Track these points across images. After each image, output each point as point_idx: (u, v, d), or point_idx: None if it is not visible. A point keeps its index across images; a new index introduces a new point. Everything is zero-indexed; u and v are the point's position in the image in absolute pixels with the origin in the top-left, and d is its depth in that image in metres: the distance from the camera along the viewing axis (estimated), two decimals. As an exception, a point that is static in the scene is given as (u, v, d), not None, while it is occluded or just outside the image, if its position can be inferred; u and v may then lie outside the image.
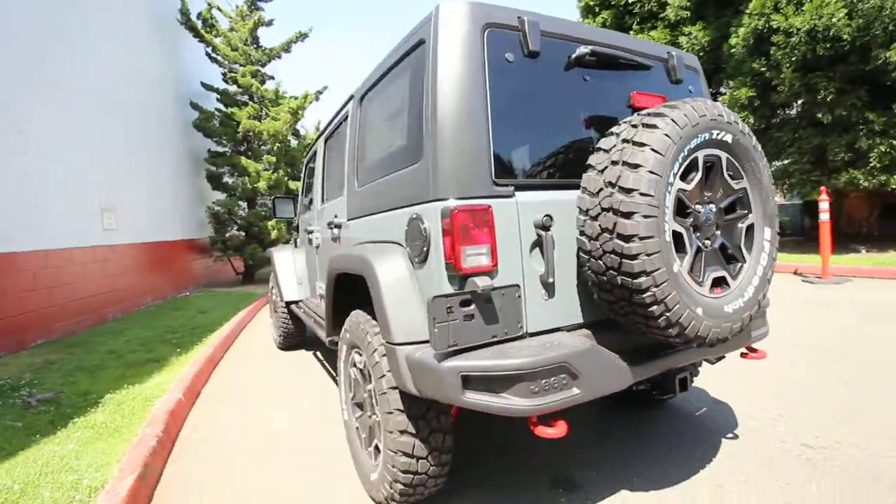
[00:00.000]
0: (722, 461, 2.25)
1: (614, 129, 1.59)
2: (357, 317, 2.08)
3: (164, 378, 3.90)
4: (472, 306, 1.49)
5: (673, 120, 1.48)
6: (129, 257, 7.29)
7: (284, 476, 2.37)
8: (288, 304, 4.54)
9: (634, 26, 9.65)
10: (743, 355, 2.12)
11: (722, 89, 8.26)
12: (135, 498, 2.08)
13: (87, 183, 6.41)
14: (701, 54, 8.33)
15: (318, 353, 4.78)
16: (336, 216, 2.65)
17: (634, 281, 1.42)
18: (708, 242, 1.64)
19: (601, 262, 1.50)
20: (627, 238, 1.40)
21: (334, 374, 3.99)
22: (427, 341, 1.62)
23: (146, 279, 7.72)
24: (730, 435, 2.50)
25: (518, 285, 1.58)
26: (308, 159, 3.85)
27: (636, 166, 1.42)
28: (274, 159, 9.95)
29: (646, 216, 1.39)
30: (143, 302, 7.58)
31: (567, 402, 1.46)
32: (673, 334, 1.50)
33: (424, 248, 1.61)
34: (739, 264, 1.71)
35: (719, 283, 1.65)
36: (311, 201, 4.10)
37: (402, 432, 1.75)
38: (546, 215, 1.63)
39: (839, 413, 2.65)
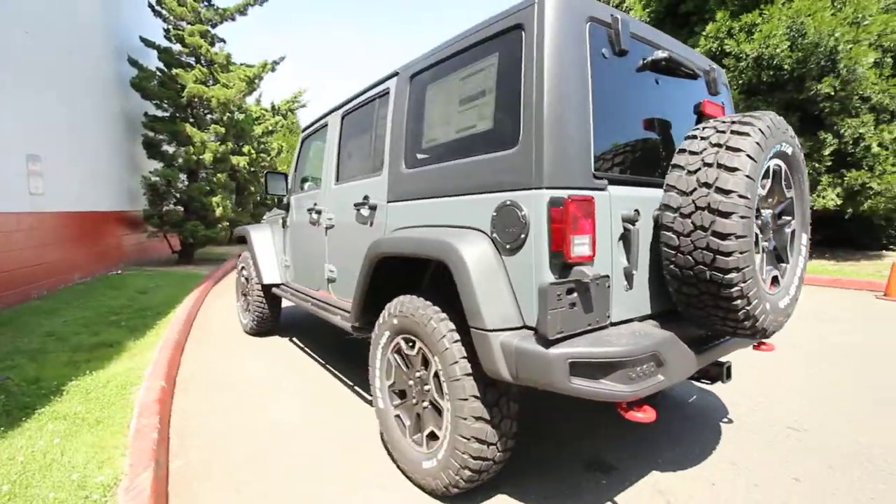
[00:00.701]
0: (727, 442, 2.49)
1: (698, 133, 1.69)
2: (412, 302, 2.03)
3: (130, 364, 3.52)
4: (575, 295, 1.52)
5: (760, 129, 1.60)
6: (58, 228, 6.41)
7: (306, 466, 2.26)
8: (266, 287, 4.28)
9: None
10: (755, 347, 2.35)
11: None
12: (157, 494, 1.88)
13: (8, 136, 5.52)
14: None
15: (295, 339, 4.56)
16: (367, 197, 2.54)
17: (726, 276, 1.53)
18: (766, 244, 1.80)
19: (690, 258, 1.59)
20: (724, 236, 1.51)
21: (321, 361, 3.84)
22: (519, 328, 1.63)
23: (75, 253, 6.84)
24: (725, 420, 2.77)
25: (608, 276, 1.64)
26: (309, 134, 3.62)
27: (734, 169, 1.52)
28: (223, 130, 9.19)
29: (742, 217, 1.50)
30: (71, 279, 6.71)
31: (655, 387, 1.55)
32: (746, 326, 1.64)
33: (522, 236, 1.61)
34: (785, 265, 1.90)
35: (775, 281, 1.83)
36: (304, 179, 3.88)
37: (478, 419, 1.75)
38: (635, 210, 1.70)
39: (808, 398, 3.04)
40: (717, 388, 3.22)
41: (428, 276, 2.50)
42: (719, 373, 2.03)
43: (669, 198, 1.64)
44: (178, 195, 9.20)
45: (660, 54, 1.88)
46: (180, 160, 8.99)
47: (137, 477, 1.92)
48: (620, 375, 1.50)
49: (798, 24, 6.18)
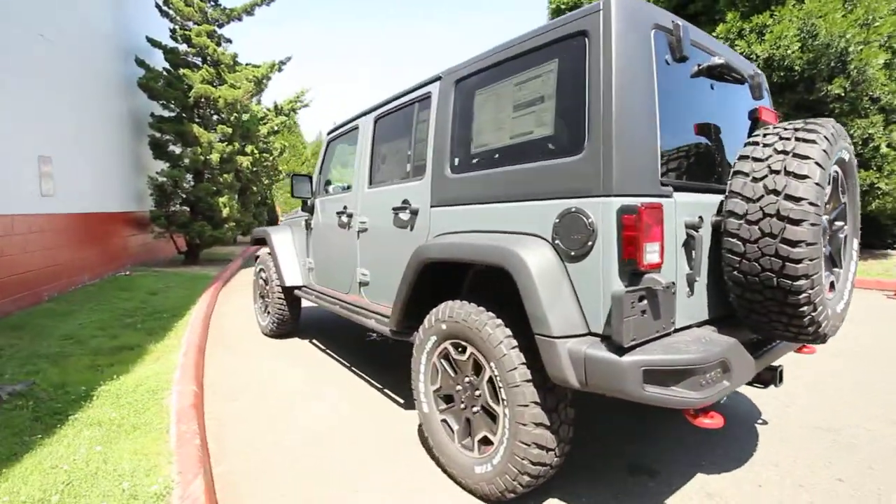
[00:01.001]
0: (765, 443, 2.50)
1: (760, 140, 1.69)
2: (463, 307, 2.02)
3: (156, 368, 3.50)
4: (646, 302, 1.52)
5: (826, 137, 1.61)
6: (68, 229, 6.35)
7: (348, 472, 2.25)
8: (287, 289, 4.26)
9: None
10: (797, 350, 2.36)
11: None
12: (210, 502, 1.87)
13: (21, 137, 5.46)
14: None
15: (316, 341, 4.54)
16: (407, 201, 2.53)
17: (795, 283, 1.54)
18: (824, 250, 1.81)
19: (757, 264, 1.60)
20: (794, 243, 1.51)
21: (346, 363, 3.83)
22: (584, 334, 1.63)
23: (84, 255, 6.78)
24: (759, 421, 2.78)
25: (674, 282, 1.64)
26: (336, 137, 3.60)
27: (804, 177, 1.52)
28: (230, 130, 9.13)
29: (813, 224, 1.50)
30: (81, 280, 6.65)
31: (722, 393, 1.55)
32: (810, 332, 1.65)
33: (589, 243, 1.60)
34: (839, 270, 1.91)
35: (831, 286, 1.84)
36: (328, 182, 3.86)
37: (538, 425, 1.74)
38: (699, 216, 1.70)
39: (833, 398, 3.06)
40: (745, 390, 3.24)
41: (467, 282, 2.50)
42: (773, 377, 2.03)
43: (734, 204, 1.64)
44: (184, 195, 9.14)
45: (717, 60, 1.88)
46: (187, 161, 8.93)
47: (190, 485, 1.90)
48: (691, 382, 1.51)
49: (809, 26, 6.22)
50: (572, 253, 1.66)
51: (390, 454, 2.41)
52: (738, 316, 1.77)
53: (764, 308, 1.66)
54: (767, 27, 6.60)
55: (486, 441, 1.99)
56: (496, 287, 2.31)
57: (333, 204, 3.49)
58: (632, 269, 1.55)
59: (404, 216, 2.57)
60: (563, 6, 10.71)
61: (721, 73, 1.98)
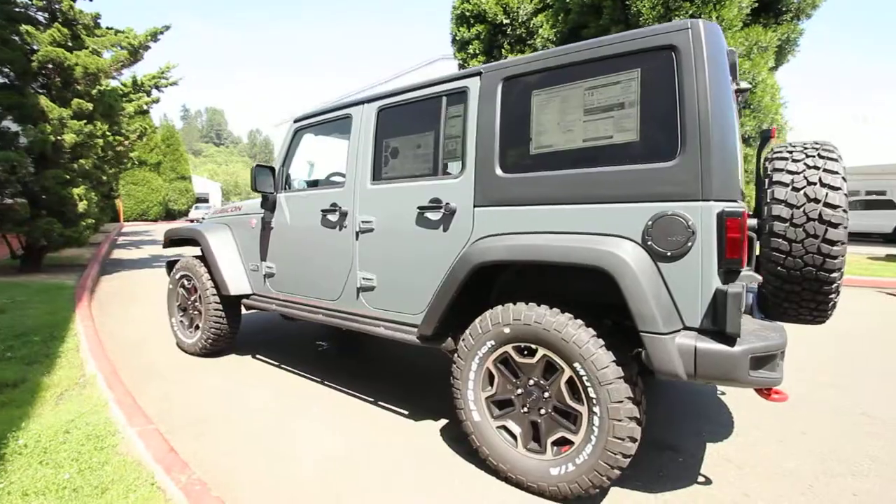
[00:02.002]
0: (786, 416, 2.88)
1: (786, 154, 2.00)
2: (534, 309, 2.00)
3: (73, 408, 2.73)
4: (742, 296, 1.70)
5: (839, 156, 1.98)
6: None
7: (412, 497, 2.07)
8: (230, 298, 3.68)
9: (506, 46, 10.77)
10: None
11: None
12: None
13: None
14: None
15: (261, 356, 4.00)
16: (437, 200, 2.38)
17: (831, 275, 1.86)
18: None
19: (800, 260, 1.89)
20: (833, 243, 1.83)
21: (315, 378, 3.45)
22: (678, 330, 1.74)
23: None
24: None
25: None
26: (310, 125, 3.18)
27: (837, 188, 1.85)
28: (90, 107, 7.43)
29: (845, 227, 1.84)
30: None
31: (782, 371, 1.81)
32: (828, 316, 2.01)
33: (688, 244, 1.72)
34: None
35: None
36: (289, 176, 3.44)
37: (631, 419, 1.81)
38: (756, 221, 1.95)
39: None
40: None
41: (497, 286, 2.48)
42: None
43: (780, 210, 1.91)
44: (22, 185, 7.18)
45: (745, 84, 2.17)
46: (26, 141, 7.02)
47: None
48: (773, 365, 1.73)
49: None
50: (668, 254, 1.76)
51: (432, 471, 2.26)
52: (770, 304, 2.07)
53: (798, 297, 1.97)
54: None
55: (560, 442, 2.00)
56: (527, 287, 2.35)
57: (312, 200, 3.11)
58: (728, 268, 1.71)
59: (433, 216, 2.42)
60: (466, 13, 11.10)
61: (738, 93, 2.29)
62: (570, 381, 1.95)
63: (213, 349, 3.90)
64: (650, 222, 1.79)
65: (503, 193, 2.19)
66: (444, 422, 2.76)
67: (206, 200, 41.45)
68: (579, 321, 1.91)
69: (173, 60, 9.83)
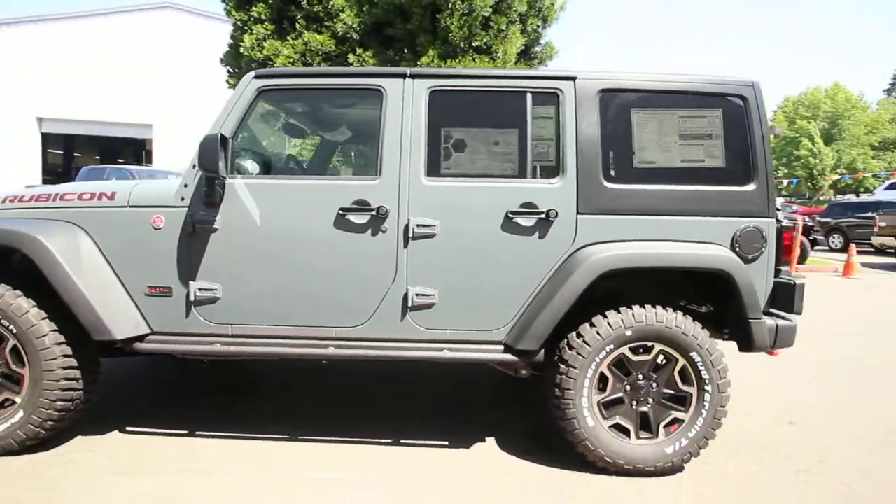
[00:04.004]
0: None
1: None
2: (653, 311, 2.21)
3: None
4: (785, 290, 2.39)
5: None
6: None
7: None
8: (101, 344, 2.27)
9: (301, 20, 9.59)
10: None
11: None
12: None
13: None
14: None
15: (149, 426, 2.58)
16: (532, 205, 2.21)
17: None
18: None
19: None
20: None
21: (281, 434, 2.55)
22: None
23: None
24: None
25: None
26: (284, 87, 2.18)
27: None
28: None
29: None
30: None
31: None
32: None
33: (762, 250, 2.29)
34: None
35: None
36: (252, 154, 2.40)
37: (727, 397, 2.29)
38: None
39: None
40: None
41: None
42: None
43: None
44: None
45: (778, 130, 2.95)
46: None
47: None
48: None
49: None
50: (749, 257, 2.29)
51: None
52: None
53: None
54: (459, 71, 8.64)
55: (671, 423, 2.30)
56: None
57: (314, 193, 2.27)
58: (779, 267, 2.38)
59: (527, 221, 2.25)
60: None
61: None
62: (682, 370, 2.27)
63: (50, 433, 2.28)
64: (738, 233, 2.28)
65: (609, 203, 2.28)
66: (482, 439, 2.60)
67: None
68: (689, 317, 2.25)
69: None
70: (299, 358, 2.36)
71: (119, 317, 2.25)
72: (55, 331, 2.21)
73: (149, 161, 17.70)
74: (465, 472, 2.30)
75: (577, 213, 2.28)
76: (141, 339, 2.31)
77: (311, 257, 2.30)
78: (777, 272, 2.40)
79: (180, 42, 18.89)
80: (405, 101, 2.30)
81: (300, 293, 2.32)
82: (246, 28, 9.67)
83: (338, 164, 2.81)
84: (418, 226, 2.25)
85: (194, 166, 2.29)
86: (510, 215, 2.25)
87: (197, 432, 2.57)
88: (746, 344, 2.28)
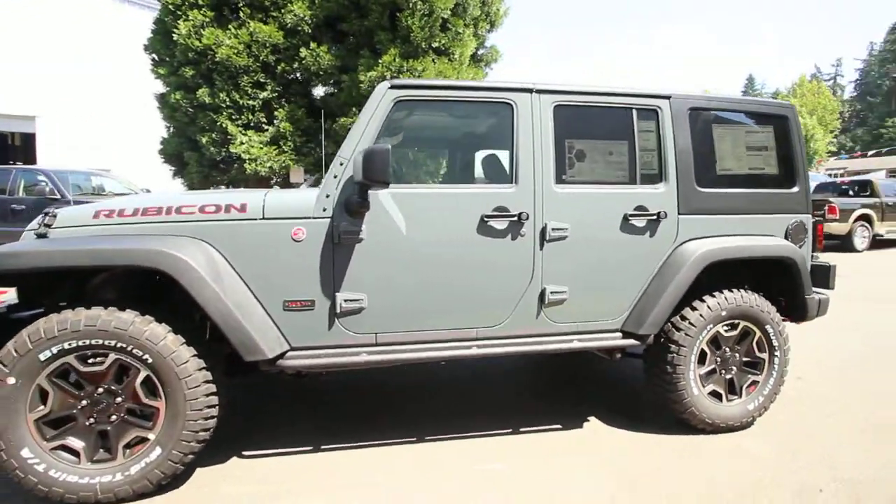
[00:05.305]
0: None
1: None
2: (740, 293, 2.67)
3: None
4: (813, 271, 3.00)
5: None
6: None
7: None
8: (248, 365, 2.17)
9: (245, 9, 8.81)
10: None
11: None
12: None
13: None
14: (320, 73, 9.21)
15: (271, 446, 2.44)
16: (643, 208, 2.54)
17: None
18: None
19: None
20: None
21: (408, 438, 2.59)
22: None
23: None
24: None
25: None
26: (420, 99, 2.19)
27: None
28: None
29: None
30: None
31: None
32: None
33: (805, 240, 2.86)
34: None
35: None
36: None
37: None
38: None
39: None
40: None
41: None
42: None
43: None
44: None
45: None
46: None
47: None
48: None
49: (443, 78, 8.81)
50: (798, 246, 2.86)
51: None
52: None
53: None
54: (423, 71, 8.68)
55: (750, 385, 2.78)
56: None
57: (456, 201, 2.35)
58: (811, 254, 2.98)
59: (639, 222, 2.57)
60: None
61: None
62: (758, 340, 2.76)
63: (184, 468, 2.10)
64: (789, 226, 2.83)
65: (700, 204, 2.68)
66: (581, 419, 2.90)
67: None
68: (762, 297, 2.75)
69: None
70: (441, 360, 2.43)
71: (264, 334, 2.14)
72: (195, 356, 2.04)
73: (31, 160, 14.90)
74: (595, 447, 2.56)
75: (678, 213, 2.65)
76: (281, 356, 2.22)
77: (455, 262, 2.39)
78: (812, 257, 3.01)
79: (71, 25, 16.12)
80: (534, 115, 2.49)
81: (444, 297, 2.39)
82: (180, 13, 8.76)
83: (467, 172, 2.89)
84: (553, 229, 2.46)
85: (336, 176, 2.25)
86: (627, 217, 2.55)
87: (322, 447, 2.51)
88: (801, 316, 2.85)
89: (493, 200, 2.41)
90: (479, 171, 3.08)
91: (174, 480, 2.10)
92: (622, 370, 3.65)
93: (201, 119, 9.22)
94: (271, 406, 3.12)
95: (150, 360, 1.97)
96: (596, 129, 2.68)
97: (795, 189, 2.88)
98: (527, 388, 3.51)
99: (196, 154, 9.70)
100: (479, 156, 3.09)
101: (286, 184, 10.16)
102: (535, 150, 2.47)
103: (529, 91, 2.50)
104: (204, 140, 9.25)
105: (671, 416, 2.74)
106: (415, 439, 2.61)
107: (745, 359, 2.77)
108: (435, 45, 9.04)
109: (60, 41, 15.40)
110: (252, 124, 9.43)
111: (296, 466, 2.37)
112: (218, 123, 9.08)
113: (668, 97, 2.68)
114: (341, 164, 2.28)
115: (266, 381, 3.17)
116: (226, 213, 2.19)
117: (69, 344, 1.91)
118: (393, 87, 2.35)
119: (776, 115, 2.90)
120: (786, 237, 2.82)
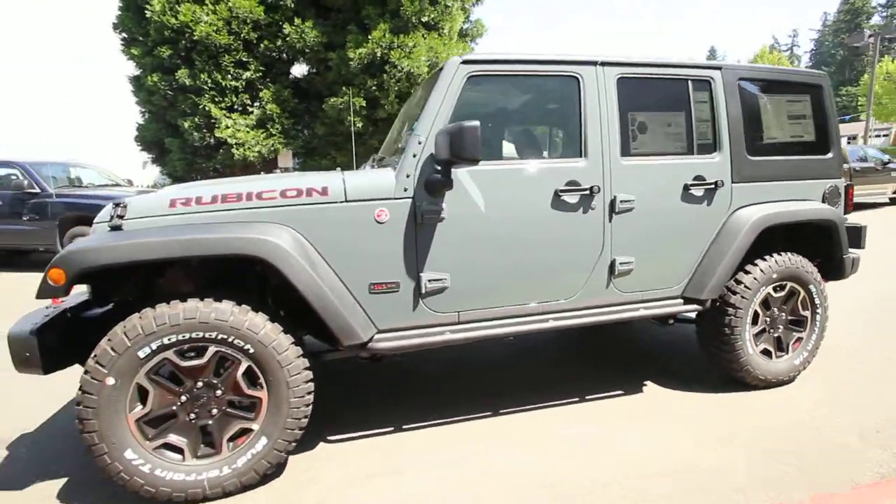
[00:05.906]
0: None
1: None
2: (788, 256, 2.81)
3: None
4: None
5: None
6: None
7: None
8: (342, 351, 2.17)
9: None
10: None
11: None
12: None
13: None
14: (305, 51, 8.83)
15: (354, 429, 2.45)
16: (701, 177, 2.62)
17: None
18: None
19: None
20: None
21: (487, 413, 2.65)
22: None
23: None
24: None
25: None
26: (492, 73, 2.16)
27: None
28: None
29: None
30: None
31: None
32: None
33: (839, 203, 3.03)
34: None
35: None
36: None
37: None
38: None
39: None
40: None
41: None
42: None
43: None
44: None
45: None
46: None
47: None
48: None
49: (433, 54, 8.63)
50: (834, 209, 3.02)
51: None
52: None
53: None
54: (416, 47, 8.48)
55: (795, 341, 2.96)
56: None
57: (531, 177, 2.36)
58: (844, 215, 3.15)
59: (698, 192, 2.65)
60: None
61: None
62: (802, 300, 2.93)
63: (280, 462, 2.09)
64: (827, 191, 2.99)
65: (751, 172, 2.79)
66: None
67: None
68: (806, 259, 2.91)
69: None
70: (519, 335, 2.48)
71: (356, 318, 2.13)
72: (294, 343, 2.02)
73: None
74: (670, 408, 2.69)
75: (732, 182, 2.75)
76: (369, 340, 2.21)
77: (532, 237, 2.41)
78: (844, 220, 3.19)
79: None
80: (599, 88, 2.50)
81: (522, 272, 2.42)
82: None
83: (534, 148, 2.89)
84: (622, 201, 2.51)
85: (415, 155, 2.22)
86: (687, 186, 2.63)
87: (403, 426, 2.54)
88: (839, 275, 3.03)
89: (565, 175, 2.44)
90: (545, 145, 3.09)
91: (275, 470, 2.10)
92: (645, 337, 3.82)
93: (182, 102, 8.77)
94: (334, 390, 3.11)
95: (251, 351, 1.94)
96: (655, 102, 2.73)
97: (830, 155, 3.03)
98: (563, 362, 3.59)
99: (178, 140, 9.25)
100: (543, 131, 3.11)
101: (270, 169, 9.84)
102: (601, 123, 2.50)
103: (594, 63, 2.51)
104: (186, 125, 8.81)
105: (718, 376, 2.91)
106: (490, 413, 2.68)
107: (790, 317, 2.94)
108: (424, 19, 8.83)
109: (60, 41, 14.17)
110: (236, 107, 9.05)
111: (381, 447, 2.39)
112: (200, 106, 8.65)
113: (719, 67, 2.74)
114: (419, 143, 2.25)
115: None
116: (308, 197, 2.14)
117: (168, 339, 1.85)
118: (465, 62, 2.31)
119: (812, 84, 3.02)
120: (823, 200, 2.97)
